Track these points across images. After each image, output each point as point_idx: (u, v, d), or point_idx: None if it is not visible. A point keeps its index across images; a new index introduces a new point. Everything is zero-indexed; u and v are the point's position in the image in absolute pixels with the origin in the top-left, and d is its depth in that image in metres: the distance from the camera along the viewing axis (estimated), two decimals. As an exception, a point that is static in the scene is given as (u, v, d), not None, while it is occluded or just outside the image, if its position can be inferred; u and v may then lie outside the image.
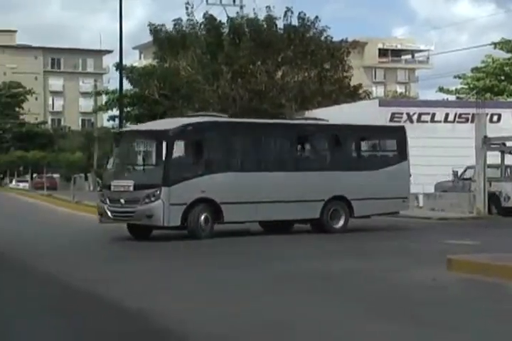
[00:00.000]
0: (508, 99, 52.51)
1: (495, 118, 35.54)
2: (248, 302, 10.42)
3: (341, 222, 21.63)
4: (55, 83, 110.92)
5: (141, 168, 21.28)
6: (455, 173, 31.52)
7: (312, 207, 21.12)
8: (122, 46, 36.20)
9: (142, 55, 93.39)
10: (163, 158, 19.31)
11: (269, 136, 21.75)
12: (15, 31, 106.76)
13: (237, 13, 45.81)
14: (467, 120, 35.50)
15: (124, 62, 39.85)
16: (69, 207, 35.69)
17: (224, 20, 44.89)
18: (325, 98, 42.92)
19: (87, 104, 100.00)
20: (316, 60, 44.05)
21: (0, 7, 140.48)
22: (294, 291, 11.34)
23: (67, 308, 10.15)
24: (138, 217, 19.00)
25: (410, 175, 23.45)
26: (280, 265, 14.41)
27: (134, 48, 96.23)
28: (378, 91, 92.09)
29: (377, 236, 21.12)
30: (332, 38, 45.04)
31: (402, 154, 23.35)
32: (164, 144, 19.29)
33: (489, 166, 28.83)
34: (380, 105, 37.59)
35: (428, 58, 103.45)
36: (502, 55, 56.95)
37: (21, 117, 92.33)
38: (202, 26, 44.64)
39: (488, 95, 53.87)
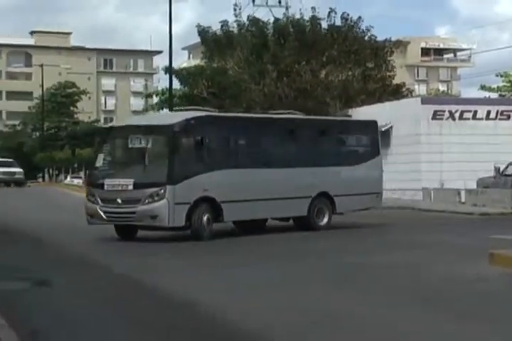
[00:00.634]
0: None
1: (536, 115, 35.16)
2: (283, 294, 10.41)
3: (325, 219, 20.50)
4: (108, 83, 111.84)
5: (142, 165, 18.04)
6: (497, 169, 31.22)
7: (301, 204, 19.94)
8: (172, 49, 36.58)
9: (191, 56, 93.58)
10: (168, 155, 17.51)
11: (262, 131, 20.09)
12: (70, 33, 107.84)
13: (284, 14, 45.86)
14: (509, 117, 35.19)
15: (173, 63, 40.13)
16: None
17: (270, 21, 45.03)
18: (369, 96, 42.77)
19: (137, 103, 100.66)
20: (360, 59, 43.92)
21: (56, 10, 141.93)
22: (342, 284, 11.32)
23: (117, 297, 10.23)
24: (139, 217, 17.15)
25: (382, 171, 22.52)
26: (317, 260, 14.37)
27: (183, 49, 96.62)
28: (421, 89, 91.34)
29: (421, 231, 20.93)
30: (376, 37, 44.91)
31: (375, 149, 22.52)
32: (168, 140, 17.60)
33: (531, 162, 28.55)
34: (422, 103, 37.30)
35: (470, 57, 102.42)
36: (543, 53, 56.19)
37: (75, 116, 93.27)
38: (248, 27, 44.80)
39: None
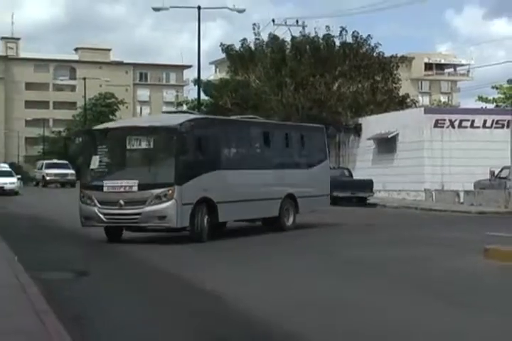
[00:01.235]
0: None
1: (528, 124, 34.94)
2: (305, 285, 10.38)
3: (291, 219, 19.27)
4: (143, 94, 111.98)
5: (145, 166, 16.39)
6: (492, 173, 31.20)
7: (275, 205, 18.70)
8: (200, 64, 36.50)
9: (217, 70, 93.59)
10: (174, 155, 15.78)
11: (247, 134, 18.81)
12: (109, 49, 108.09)
13: (300, 32, 45.99)
14: (503, 126, 35.01)
15: (201, 76, 40.13)
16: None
17: (288, 38, 45.22)
18: (377, 106, 42.73)
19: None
20: (369, 73, 43.92)
21: (98, 29, 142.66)
22: (354, 276, 11.30)
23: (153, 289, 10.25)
24: (145, 218, 15.54)
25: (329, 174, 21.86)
26: (330, 255, 14.33)
27: (211, 63, 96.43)
28: (424, 100, 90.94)
29: (423, 227, 20.83)
30: (383, 53, 44.93)
31: (324, 153, 21.45)
32: (175, 140, 15.83)
33: (523, 166, 28.41)
34: (425, 113, 37.23)
35: (468, 71, 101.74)
36: (535, 67, 55.75)
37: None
38: (268, 44, 44.94)
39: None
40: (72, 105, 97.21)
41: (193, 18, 37.66)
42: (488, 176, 31.39)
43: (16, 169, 56.29)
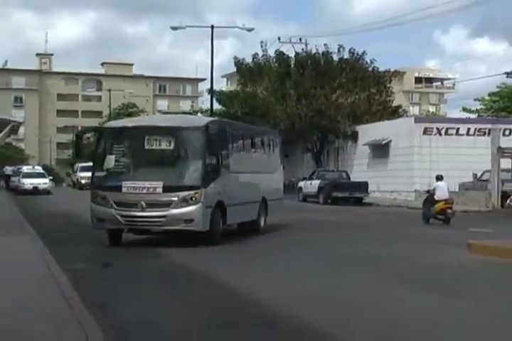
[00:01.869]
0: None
1: (507, 132, 35.13)
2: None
3: (263, 221, 17.62)
4: (162, 104, 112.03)
5: (170, 167, 14.21)
6: (475, 176, 31.26)
7: (254, 208, 17.15)
8: (213, 77, 36.63)
9: (229, 82, 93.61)
10: (201, 157, 14.03)
11: (251, 138, 17.45)
12: (132, 64, 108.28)
13: (302, 49, 46.24)
14: (485, 133, 34.97)
15: (214, 88, 40.25)
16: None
17: (292, 54, 45.45)
18: (372, 116, 42.70)
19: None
20: (365, 86, 43.92)
21: (122, 46, 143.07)
22: (351, 271, 11.26)
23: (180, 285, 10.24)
24: (170, 221, 13.68)
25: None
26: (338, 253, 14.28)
27: (223, 76, 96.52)
28: (414, 110, 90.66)
29: (413, 224, 20.75)
30: (378, 67, 44.97)
31: (280, 158, 19.81)
32: (203, 141, 14.10)
33: (502, 170, 28.45)
34: (415, 121, 37.25)
35: (454, 84, 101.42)
36: (513, 82, 55.71)
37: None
38: (274, 60, 45.21)
39: (502, 114, 52.75)
40: (98, 114, 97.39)
41: (208, 36, 37.68)
42: (471, 179, 31.41)
43: (48, 171, 56.11)
